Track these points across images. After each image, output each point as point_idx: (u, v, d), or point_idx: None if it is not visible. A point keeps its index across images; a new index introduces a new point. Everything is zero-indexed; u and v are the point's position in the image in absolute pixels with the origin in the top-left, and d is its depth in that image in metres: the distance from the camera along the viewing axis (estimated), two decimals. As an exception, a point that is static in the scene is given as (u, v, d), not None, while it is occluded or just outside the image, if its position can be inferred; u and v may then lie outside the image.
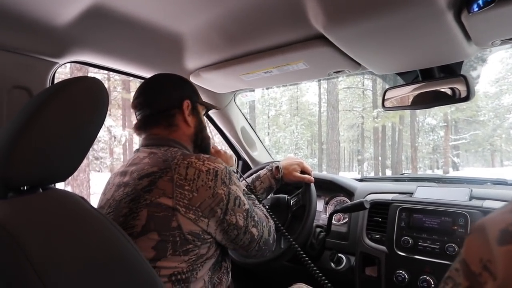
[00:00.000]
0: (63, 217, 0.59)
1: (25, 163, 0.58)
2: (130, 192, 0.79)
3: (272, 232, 0.96)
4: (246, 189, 1.03)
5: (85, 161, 8.22)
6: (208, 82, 1.39)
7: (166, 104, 0.94)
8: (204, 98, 1.55)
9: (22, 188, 0.62)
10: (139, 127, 0.94)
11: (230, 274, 1.17)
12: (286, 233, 1.10)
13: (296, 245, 1.08)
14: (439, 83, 1.13)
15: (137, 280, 0.60)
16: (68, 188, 7.45)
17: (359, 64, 1.12)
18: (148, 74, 1.32)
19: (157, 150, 0.85)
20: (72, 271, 0.53)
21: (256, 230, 0.87)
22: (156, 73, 1.03)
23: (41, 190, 0.64)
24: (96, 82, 0.68)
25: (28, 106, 0.63)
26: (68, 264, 0.53)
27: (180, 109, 0.95)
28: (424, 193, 1.32)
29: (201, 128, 1.01)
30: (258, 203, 1.05)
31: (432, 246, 1.15)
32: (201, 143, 1.01)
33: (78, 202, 0.63)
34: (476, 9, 0.74)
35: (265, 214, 1.00)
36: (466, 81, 1.04)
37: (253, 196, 1.07)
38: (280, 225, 1.09)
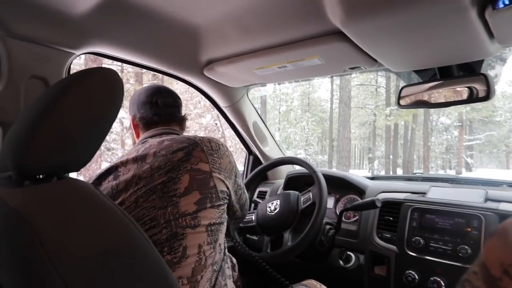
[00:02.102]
0: (77, 206, 0.60)
1: (41, 152, 0.59)
2: (164, 164, 0.89)
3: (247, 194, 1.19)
4: None
5: (97, 152, 8.35)
6: (221, 76, 1.39)
7: (175, 113, 1.11)
8: (216, 92, 1.56)
9: (38, 176, 0.63)
10: (160, 122, 1.08)
11: (236, 268, 1.19)
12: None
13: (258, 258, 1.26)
14: (458, 82, 1.10)
15: (147, 269, 0.61)
16: (80, 178, 7.58)
17: (376, 61, 1.10)
18: (162, 66, 1.32)
19: (169, 136, 0.99)
20: (83, 257, 0.53)
21: (244, 193, 1.11)
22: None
23: (56, 179, 0.64)
24: (112, 73, 0.68)
25: (44, 96, 0.64)
26: (80, 250, 0.54)
27: (178, 109, 1.13)
28: (438, 193, 1.29)
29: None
30: None
31: (444, 247, 1.13)
32: None
33: (92, 192, 0.64)
34: (502, 6, 0.72)
35: None
36: (486, 80, 1.01)
37: None
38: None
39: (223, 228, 0.95)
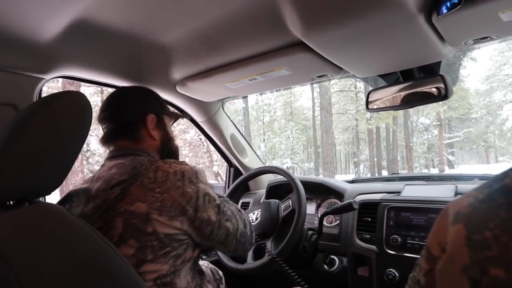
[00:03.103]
0: (49, 232, 0.60)
1: (10, 178, 0.59)
2: (102, 203, 0.79)
3: (248, 224, 0.99)
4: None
5: (80, 175, 8.17)
6: (195, 91, 1.41)
7: (131, 118, 0.95)
8: (191, 107, 1.58)
9: (8, 203, 0.63)
10: (106, 140, 0.96)
11: (223, 281, 1.18)
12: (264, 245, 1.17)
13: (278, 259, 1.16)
14: (419, 83, 1.16)
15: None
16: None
17: (341, 68, 1.14)
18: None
19: (124, 159, 0.86)
20: (57, 284, 0.53)
21: (231, 223, 0.89)
22: (122, 86, 1.07)
23: (27, 204, 0.65)
24: (80, 96, 0.70)
25: (12, 121, 0.65)
26: (55, 278, 0.54)
27: (144, 124, 0.96)
28: (411, 191, 1.34)
29: (167, 140, 1.02)
30: (230, 201, 1.03)
31: (420, 243, 1.17)
32: (168, 154, 1.02)
33: (63, 215, 0.64)
34: (445, 11, 0.77)
35: (238, 209, 1.00)
36: (444, 80, 1.07)
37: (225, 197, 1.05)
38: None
39: (183, 270, 0.82)
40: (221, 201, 0.90)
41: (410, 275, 0.39)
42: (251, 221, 1.22)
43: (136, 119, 0.95)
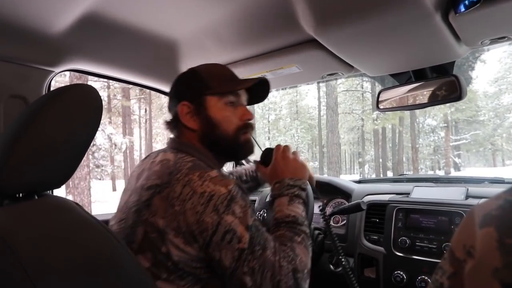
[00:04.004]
0: (58, 224, 0.59)
1: (20, 170, 0.59)
2: (137, 202, 0.74)
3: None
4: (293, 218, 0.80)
5: (85, 169, 8.23)
6: (204, 88, 1.40)
7: (170, 111, 0.89)
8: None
9: (17, 195, 0.63)
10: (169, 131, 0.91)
11: None
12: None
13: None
14: (432, 83, 1.14)
15: (131, 284, 0.60)
16: (69, 197, 7.46)
17: (352, 66, 1.13)
18: (143, 81, 1.33)
19: (173, 155, 0.78)
20: (66, 278, 0.53)
21: (250, 279, 0.66)
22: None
23: (36, 197, 0.64)
24: (90, 89, 0.69)
25: (22, 114, 0.64)
26: (62, 271, 0.53)
27: (179, 115, 0.85)
28: (421, 193, 1.32)
29: (211, 126, 0.84)
30: (296, 241, 0.76)
31: (429, 246, 1.15)
32: (218, 143, 0.85)
33: (73, 209, 0.64)
34: (463, 10, 0.75)
35: (293, 264, 0.71)
36: (457, 80, 1.05)
37: (299, 228, 0.80)
38: None
39: None
40: (259, 248, 0.68)
41: (432, 278, 0.38)
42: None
43: (174, 110, 0.86)
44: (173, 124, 0.88)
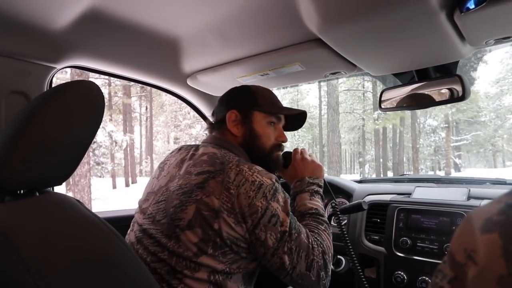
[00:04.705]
0: (59, 221, 0.59)
1: (21, 167, 0.59)
2: (184, 185, 0.81)
3: (317, 269, 0.81)
4: (314, 211, 0.94)
5: (86, 167, 8.24)
6: (205, 85, 1.40)
7: (219, 115, 1.01)
8: (201, 101, 1.56)
9: (18, 191, 0.63)
10: (210, 130, 1.04)
11: None
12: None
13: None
14: (435, 83, 1.13)
15: (133, 285, 0.60)
16: (70, 194, 7.46)
17: (355, 65, 1.12)
18: (146, 78, 1.33)
19: (218, 150, 0.87)
20: (67, 274, 0.53)
21: (288, 258, 0.78)
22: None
23: (37, 193, 0.64)
24: (92, 86, 0.69)
25: (24, 110, 0.64)
26: (63, 267, 0.53)
27: (226, 120, 0.97)
28: (422, 193, 1.32)
29: (252, 137, 0.97)
30: (321, 229, 0.91)
31: (430, 246, 1.15)
32: (253, 152, 0.97)
33: (74, 206, 0.63)
34: (469, 9, 0.74)
35: (322, 247, 0.85)
36: (461, 81, 1.04)
37: (322, 219, 0.94)
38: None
39: (237, 276, 0.80)
40: (294, 230, 0.80)
41: (431, 280, 0.38)
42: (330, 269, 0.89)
43: (222, 115, 0.99)
44: (217, 126, 1.00)
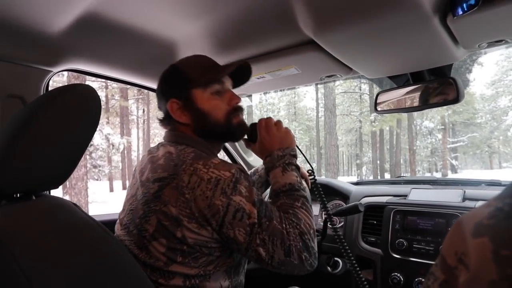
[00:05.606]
0: (55, 225, 0.59)
1: (17, 170, 0.59)
2: (145, 194, 0.78)
3: (297, 252, 0.76)
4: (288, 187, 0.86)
5: (83, 170, 8.20)
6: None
7: (161, 110, 0.94)
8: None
9: (15, 195, 0.63)
10: (163, 127, 0.96)
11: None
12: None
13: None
14: (430, 86, 1.14)
15: (131, 287, 0.60)
16: (66, 197, 7.42)
17: (350, 68, 1.13)
18: (142, 81, 1.33)
19: (174, 148, 0.82)
20: (64, 278, 0.53)
21: (263, 249, 0.73)
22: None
23: (34, 197, 0.64)
24: (89, 89, 0.69)
25: (20, 114, 0.64)
26: (60, 271, 0.53)
27: (170, 113, 0.89)
28: (418, 195, 1.32)
29: (202, 117, 0.87)
30: (297, 206, 0.83)
31: (426, 248, 1.15)
32: (211, 132, 0.89)
33: (71, 209, 0.63)
34: (461, 13, 0.76)
35: (299, 228, 0.78)
36: (455, 83, 1.05)
37: (297, 194, 0.86)
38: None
39: (216, 274, 0.79)
40: (266, 220, 0.75)
41: (424, 283, 0.38)
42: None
43: (165, 108, 0.90)
44: (166, 121, 0.92)
